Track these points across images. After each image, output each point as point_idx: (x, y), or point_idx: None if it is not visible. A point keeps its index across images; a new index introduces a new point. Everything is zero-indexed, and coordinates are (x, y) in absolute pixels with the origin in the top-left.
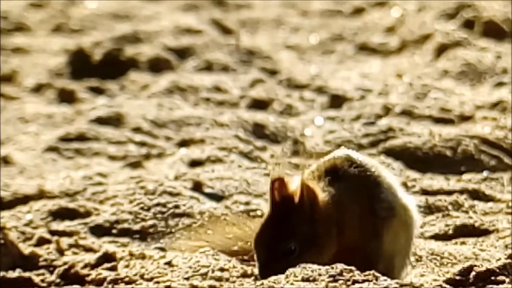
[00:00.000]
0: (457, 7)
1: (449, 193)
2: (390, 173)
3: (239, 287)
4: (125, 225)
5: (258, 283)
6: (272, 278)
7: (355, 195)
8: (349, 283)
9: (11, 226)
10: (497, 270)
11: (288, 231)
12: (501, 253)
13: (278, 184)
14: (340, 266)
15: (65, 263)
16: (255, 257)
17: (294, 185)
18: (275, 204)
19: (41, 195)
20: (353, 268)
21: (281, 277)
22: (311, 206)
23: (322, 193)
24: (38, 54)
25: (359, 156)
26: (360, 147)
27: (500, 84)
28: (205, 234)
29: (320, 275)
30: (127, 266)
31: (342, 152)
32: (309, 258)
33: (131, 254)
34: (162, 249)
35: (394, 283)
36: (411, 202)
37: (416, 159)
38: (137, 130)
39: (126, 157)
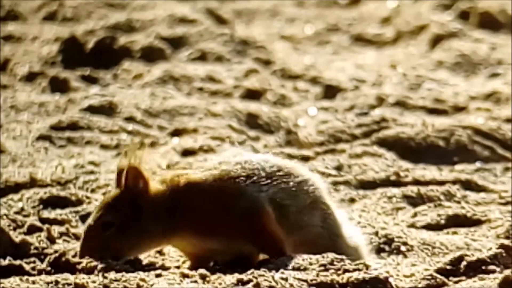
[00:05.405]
0: None
1: (442, 183)
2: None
3: (230, 275)
4: None
5: (249, 272)
6: (263, 267)
7: None
8: (339, 272)
9: (2, 214)
10: (488, 260)
11: (109, 208)
12: (492, 243)
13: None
14: (331, 256)
15: (56, 251)
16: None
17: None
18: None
19: (33, 183)
20: (343, 257)
21: (271, 266)
22: (136, 192)
23: (158, 185)
24: (31, 42)
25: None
26: (353, 137)
27: (494, 75)
28: None
29: (311, 264)
30: None
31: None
32: (130, 240)
33: None
34: None
35: (385, 272)
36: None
37: (409, 149)
38: (130, 119)
39: (118, 146)
